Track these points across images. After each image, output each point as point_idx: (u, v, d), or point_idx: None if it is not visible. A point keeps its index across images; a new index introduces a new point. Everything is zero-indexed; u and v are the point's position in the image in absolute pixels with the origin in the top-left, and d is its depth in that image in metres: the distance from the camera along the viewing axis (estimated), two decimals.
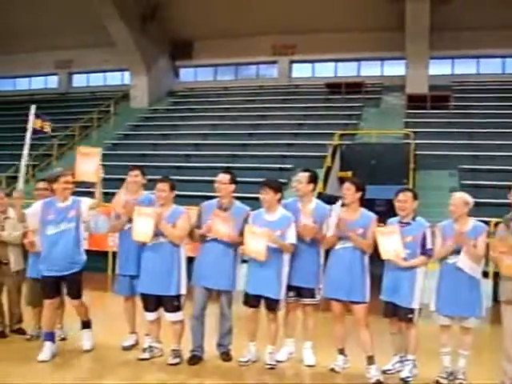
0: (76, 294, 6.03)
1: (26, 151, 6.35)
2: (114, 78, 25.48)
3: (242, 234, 5.80)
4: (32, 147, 18.13)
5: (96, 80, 25.99)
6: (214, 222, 5.77)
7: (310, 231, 5.69)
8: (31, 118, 6.54)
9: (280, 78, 23.29)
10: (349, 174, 13.91)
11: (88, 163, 5.95)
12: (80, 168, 5.96)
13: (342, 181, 14.00)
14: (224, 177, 5.96)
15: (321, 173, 13.13)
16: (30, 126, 6.40)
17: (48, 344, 5.92)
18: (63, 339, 6.49)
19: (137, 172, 6.26)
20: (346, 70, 22.79)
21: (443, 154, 15.21)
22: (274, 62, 23.44)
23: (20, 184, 6.46)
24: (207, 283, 5.91)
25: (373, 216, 5.68)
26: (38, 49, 24.42)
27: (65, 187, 5.95)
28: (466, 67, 21.70)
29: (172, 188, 5.90)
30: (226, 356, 6.01)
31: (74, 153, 18.55)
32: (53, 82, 26.69)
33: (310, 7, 20.37)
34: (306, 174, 6.02)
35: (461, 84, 20.53)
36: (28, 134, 6.36)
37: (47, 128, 6.76)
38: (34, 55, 24.85)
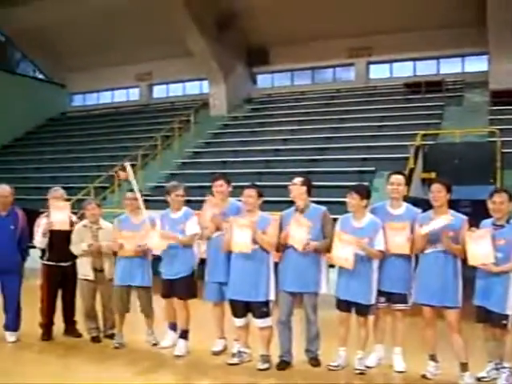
0: (183, 295, 6.46)
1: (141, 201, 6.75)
2: (193, 88, 25.96)
3: (323, 235, 5.90)
4: (117, 158, 19.03)
5: (175, 90, 26.56)
6: (291, 226, 5.82)
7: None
8: (130, 172, 6.93)
9: (357, 80, 23.03)
10: (432, 175, 13.60)
11: (154, 237, 6.42)
12: (150, 243, 6.49)
13: (424, 182, 13.73)
14: (297, 180, 6.04)
15: None
16: (133, 183, 6.80)
17: (171, 333, 6.70)
18: (120, 345, 6.77)
19: (221, 182, 6.39)
20: (425, 69, 22.26)
21: None
22: (350, 65, 23.22)
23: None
24: (290, 288, 5.95)
25: (463, 218, 5.54)
26: (120, 63, 25.28)
27: (175, 200, 6.48)
28: None
29: (259, 195, 5.99)
30: (314, 361, 6.03)
31: (157, 163, 19.20)
32: (134, 94, 27.52)
33: (384, 7, 20.03)
34: (402, 177, 5.97)
35: None
36: (136, 190, 6.76)
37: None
38: (116, 69, 25.72)
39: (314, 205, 6.11)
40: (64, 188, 7.65)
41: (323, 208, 6.09)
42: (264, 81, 25.02)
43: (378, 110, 19.35)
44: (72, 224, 7.07)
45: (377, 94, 21.45)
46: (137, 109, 26.18)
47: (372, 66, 23.08)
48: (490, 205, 5.40)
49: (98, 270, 6.93)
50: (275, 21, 21.67)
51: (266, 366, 5.90)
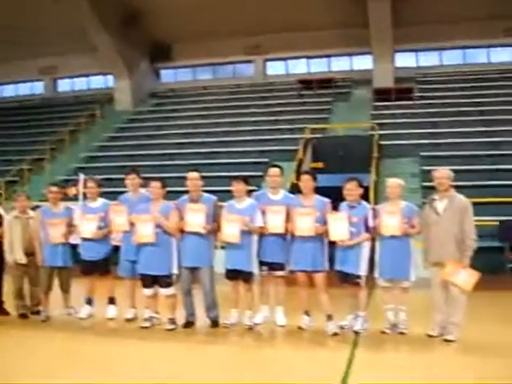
0: (103, 272, 7.76)
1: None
2: (98, 82, 26.51)
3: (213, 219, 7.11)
4: (25, 152, 19.45)
5: (80, 84, 27.01)
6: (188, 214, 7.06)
7: None
8: (81, 184, 7.90)
9: (256, 76, 24.50)
10: (320, 164, 15.24)
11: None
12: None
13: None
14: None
15: (292, 165, 14.51)
16: (80, 193, 7.79)
17: (87, 306, 7.82)
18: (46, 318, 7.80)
19: (133, 175, 7.62)
20: (318, 67, 24.01)
21: (406, 143, 16.50)
22: (249, 61, 24.63)
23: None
24: (188, 264, 7.15)
25: (326, 201, 6.91)
26: (23, 57, 25.43)
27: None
28: (429, 59, 23.07)
29: (163, 186, 7.15)
30: (213, 324, 7.23)
31: (65, 157, 19.64)
32: (39, 87, 27.62)
33: (281, 8, 21.50)
34: (278, 169, 7.15)
35: (425, 75, 21.90)
36: (80, 201, 7.76)
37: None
38: (19, 63, 25.81)
39: (206, 194, 7.26)
40: None
41: (214, 197, 7.28)
42: (167, 76, 25.99)
43: (274, 105, 20.86)
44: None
45: (274, 90, 22.92)
46: (41, 103, 26.35)
47: (269, 63, 24.57)
48: (344, 191, 6.86)
49: (29, 255, 7.82)
50: (178, 19, 22.70)
51: (172, 326, 7.11)
